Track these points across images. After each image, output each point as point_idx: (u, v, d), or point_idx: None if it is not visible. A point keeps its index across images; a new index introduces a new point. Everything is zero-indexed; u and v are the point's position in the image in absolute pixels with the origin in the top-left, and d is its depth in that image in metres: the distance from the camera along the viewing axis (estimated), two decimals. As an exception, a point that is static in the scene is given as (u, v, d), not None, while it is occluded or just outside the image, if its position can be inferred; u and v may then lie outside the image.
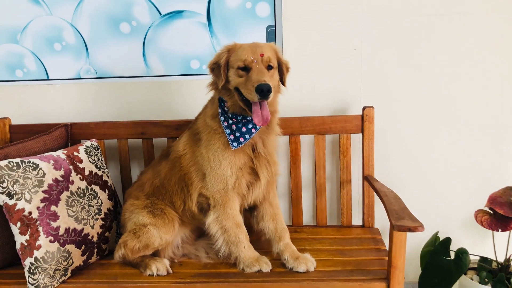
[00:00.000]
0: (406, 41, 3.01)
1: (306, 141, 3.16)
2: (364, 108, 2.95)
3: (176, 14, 3.12)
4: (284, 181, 3.22)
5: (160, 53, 3.12)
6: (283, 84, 2.43)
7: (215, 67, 2.39)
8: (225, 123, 2.39)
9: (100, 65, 3.22)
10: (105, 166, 2.94)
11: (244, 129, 2.36)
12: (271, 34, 3.11)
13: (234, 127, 2.37)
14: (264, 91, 2.13)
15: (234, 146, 2.36)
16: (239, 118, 2.37)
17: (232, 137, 2.37)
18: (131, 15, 3.12)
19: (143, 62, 3.20)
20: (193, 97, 3.13)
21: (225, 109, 2.42)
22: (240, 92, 2.30)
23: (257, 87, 2.15)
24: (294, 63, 2.93)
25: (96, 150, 2.91)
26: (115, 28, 3.14)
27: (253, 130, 2.38)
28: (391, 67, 3.06)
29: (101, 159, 2.93)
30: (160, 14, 3.12)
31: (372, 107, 2.94)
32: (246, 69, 2.28)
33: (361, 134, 3.00)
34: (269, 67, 2.25)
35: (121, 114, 3.15)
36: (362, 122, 2.96)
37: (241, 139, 2.36)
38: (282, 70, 2.36)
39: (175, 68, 3.21)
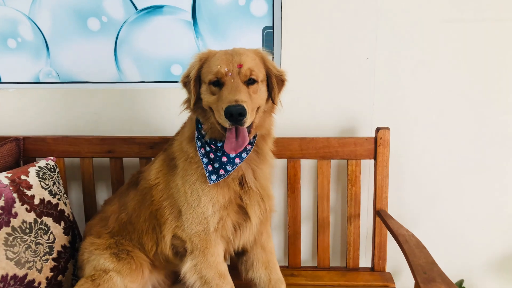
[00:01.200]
0: (428, 49, 2.54)
1: (307, 166, 2.66)
2: (378, 130, 2.45)
3: (155, 9, 2.60)
4: (280, 212, 2.73)
5: (135, 55, 2.62)
6: (274, 101, 1.92)
7: (187, 81, 1.91)
8: (202, 150, 1.91)
9: (63, 67, 2.70)
10: (63, 191, 2.42)
11: (225, 159, 1.88)
12: (268, 36, 2.61)
13: (212, 155, 1.89)
14: (234, 116, 1.65)
15: (212, 180, 1.88)
16: (219, 144, 1.89)
17: (210, 168, 1.88)
18: (101, 9, 2.61)
19: (115, 65, 2.68)
20: (174, 109, 2.56)
21: (202, 132, 1.93)
22: None
23: (225, 110, 1.68)
24: (295, 72, 2.48)
25: (52, 172, 2.38)
26: (82, 24, 2.63)
27: (237, 160, 1.89)
28: (409, 80, 2.59)
29: (58, 183, 2.40)
30: (136, 9, 2.60)
31: (388, 128, 2.45)
32: (219, 84, 1.81)
33: (373, 161, 2.51)
34: (250, 81, 1.80)
35: (86, 127, 2.72)
36: (375, 146, 2.47)
37: (221, 172, 1.88)
38: (272, 82, 1.88)
39: (153, 74, 2.69)
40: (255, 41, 2.60)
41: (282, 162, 2.60)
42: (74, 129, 2.71)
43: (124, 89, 2.69)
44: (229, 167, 1.88)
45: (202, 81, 1.88)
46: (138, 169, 2.29)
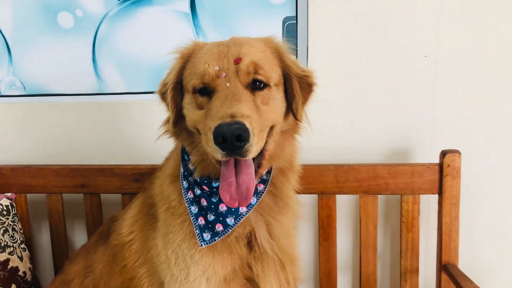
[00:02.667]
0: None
1: (345, 203, 2.01)
2: (444, 154, 1.79)
3: (143, -1, 2.00)
4: (309, 264, 2.10)
5: (118, 59, 2.09)
6: (296, 117, 1.31)
7: (164, 91, 1.31)
8: (190, 194, 1.30)
9: (29, 76, 2.16)
10: (19, 241, 1.82)
11: (223, 208, 1.26)
12: (291, 29, 1.98)
13: (204, 202, 1.28)
14: (228, 141, 1.06)
15: (204, 241, 1.27)
16: (215, 185, 1.27)
17: (201, 221, 1.27)
18: (75, 0, 2.06)
19: (93, 72, 2.10)
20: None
21: (190, 167, 1.31)
22: None
23: (215, 131, 1.07)
24: (326, 76, 1.89)
25: (3, 216, 1.81)
26: (51, 20, 2.08)
27: (243, 208, 1.27)
28: (485, 84, 1.91)
29: (13, 229, 1.82)
30: (119, -1, 2.00)
31: (458, 152, 1.80)
32: (207, 91, 1.20)
33: (437, 196, 1.83)
34: (257, 85, 1.21)
35: (55, 154, 2.16)
36: (440, 176, 1.82)
37: (218, 227, 1.26)
38: (292, 87, 1.29)
39: (141, 83, 2.10)
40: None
41: (311, 199, 1.94)
42: (39, 156, 2.14)
43: (104, 103, 2.11)
44: (230, 220, 1.26)
45: (184, 89, 1.27)
46: (112, 215, 1.66)
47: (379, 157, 1.97)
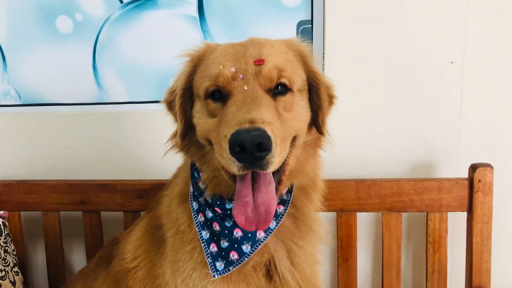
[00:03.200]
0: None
1: (365, 221, 1.86)
2: (474, 168, 1.65)
3: (147, 1, 1.90)
4: (326, 287, 1.88)
5: (120, 66, 1.97)
6: (322, 130, 1.19)
7: (172, 100, 1.19)
8: (200, 217, 1.16)
9: (26, 85, 2.04)
10: (11, 263, 1.68)
11: (238, 233, 1.12)
12: (306, 33, 1.84)
13: (217, 226, 1.13)
14: (247, 150, 0.92)
15: (218, 271, 1.12)
16: (228, 207, 1.13)
17: (213, 249, 1.13)
18: (75, 4, 1.94)
19: (94, 80, 1.96)
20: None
21: (200, 185, 1.17)
22: None
23: (231, 139, 0.93)
24: (345, 83, 1.71)
25: (-5, 235, 1.64)
26: (50, 25, 1.96)
27: (261, 233, 1.13)
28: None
29: (6, 251, 1.70)
30: (121, 2, 1.90)
31: (489, 166, 1.67)
32: (222, 96, 1.07)
33: (466, 214, 1.68)
34: (279, 90, 1.08)
35: (53, 168, 2.00)
36: (470, 192, 1.67)
37: (233, 255, 1.12)
38: (319, 96, 1.17)
39: (145, 91, 1.97)
40: (287, 41, 1.83)
41: (329, 216, 1.79)
42: (34, 170, 1.98)
43: (106, 113, 1.97)
44: (246, 247, 1.12)
45: (195, 95, 1.14)
46: (114, 236, 1.51)
47: (402, 171, 1.83)
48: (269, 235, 1.14)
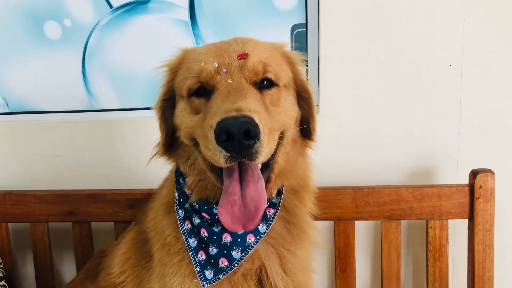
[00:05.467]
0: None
1: (364, 230, 1.81)
2: (475, 174, 1.60)
3: (138, 6, 1.85)
4: (323, 297, 1.84)
5: (110, 72, 1.92)
6: (312, 137, 1.19)
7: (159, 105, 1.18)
8: (187, 225, 1.12)
9: (13, 92, 1.99)
10: (-2, 277, 1.61)
11: (227, 238, 1.08)
12: (300, 38, 1.80)
13: (204, 232, 1.09)
14: (234, 136, 0.87)
15: (207, 280, 1.08)
16: (216, 210, 1.06)
17: (202, 257, 1.09)
18: (63, 9, 1.90)
19: (83, 87, 1.92)
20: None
21: (185, 190, 1.13)
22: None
23: (217, 126, 0.90)
24: (341, 89, 1.75)
25: (-20, 248, 1.58)
26: (37, 30, 1.91)
27: (251, 239, 1.08)
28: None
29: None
30: (111, 6, 1.85)
31: (491, 171, 1.62)
32: (205, 92, 1.04)
33: (467, 221, 1.63)
34: (265, 83, 1.06)
35: (42, 178, 1.94)
36: (471, 199, 1.63)
37: (222, 262, 1.07)
38: (310, 105, 1.18)
39: (136, 98, 1.92)
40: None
41: (326, 225, 1.74)
42: (22, 180, 1.92)
43: (96, 121, 1.92)
44: (236, 253, 1.07)
45: (178, 97, 1.12)
46: (102, 249, 1.45)
47: (400, 178, 1.78)
48: (259, 239, 1.09)
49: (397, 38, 1.71)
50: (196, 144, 1.03)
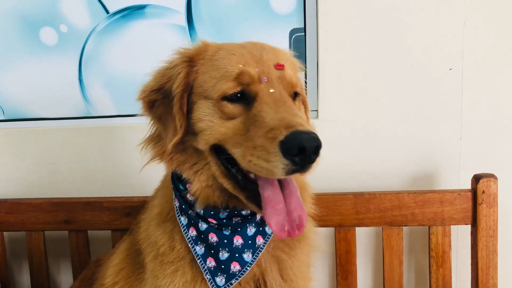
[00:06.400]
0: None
1: (365, 236, 1.78)
2: (477, 178, 1.57)
3: (134, 11, 1.82)
4: (324, 306, 1.80)
5: (107, 78, 1.90)
6: None
7: (158, 99, 1.08)
8: (192, 232, 1.07)
9: (9, 98, 1.96)
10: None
11: (238, 240, 1.05)
12: (299, 43, 1.78)
13: (214, 238, 1.05)
14: (306, 152, 0.86)
15: (218, 287, 1.03)
16: (222, 215, 1.06)
17: (211, 263, 1.05)
18: (59, 15, 1.87)
19: (80, 93, 1.89)
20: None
21: (188, 197, 1.07)
22: (227, 157, 1.01)
23: (289, 141, 0.87)
24: (340, 93, 1.74)
25: (-25, 258, 1.54)
26: (33, 36, 1.89)
27: (260, 240, 1.07)
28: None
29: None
30: (108, 12, 1.82)
31: (493, 176, 1.60)
32: (245, 97, 1.00)
33: (470, 227, 1.60)
34: (294, 95, 1.07)
35: (37, 186, 1.91)
36: (473, 204, 1.59)
37: (234, 267, 1.04)
38: (306, 116, 1.20)
39: (133, 104, 1.85)
40: (279, 50, 1.76)
41: (327, 232, 1.71)
42: (17, 188, 1.89)
43: (92, 127, 1.89)
44: (247, 256, 1.05)
45: (197, 96, 1.04)
46: (97, 258, 1.43)
47: (401, 183, 1.76)
48: (267, 240, 1.07)
49: (397, 42, 1.69)
50: (216, 150, 1.01)
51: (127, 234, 1.33)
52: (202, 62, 1.04)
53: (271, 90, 0.97)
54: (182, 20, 1.81)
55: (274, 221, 0.94)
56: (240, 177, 1.00)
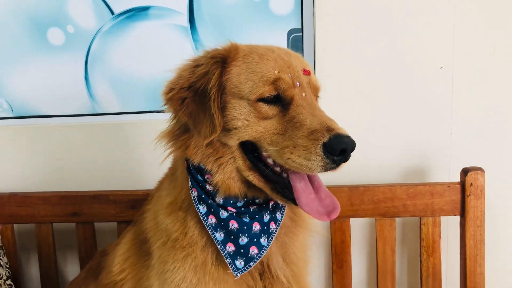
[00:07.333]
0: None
1: (359, 227, 1.86)
2: (466, 172, 1.66)
3: (138, 13, 1.89)
4: (321, 294, 1.89)
5: (112, 76, 1.97)
6: None
7: (188, 97, 1.10)
8: (212, 219, 1.14)
9: (17, 97, 2.02)
10: (5, 276, 1.68)
11: (257, 226, 1.13)
12: (296, 42, 1.85)
13: (235, 225, 1.12)
14: (346, 153, 1.00)
15: (238, 270, 1.11)
16: (240, 204, 1.14)
17: (231, 248, 1.12)
18: (66, 16, 1.93)
19: (86, 91, 1.96)
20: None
21: (208, 188, 1.13)
22: (254, 152, 1.10)
23: (332, 142, 0.99)
24: (336, 91, 1.81)
25: (-13, 249, 1.63)
26: (41, 37, 1.95)
27: (273, 225, 1.16)
28: (503, 99, 1.81)
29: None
30: (113, 13, 1.89)
31: (481, 169, 1.68)
32: (279, 101, 1.08)
33: (458, 218, 1.69)
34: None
35: (45, 180, 1.99)
36: (462, 196, 1.68)
37: (253, 250, 1.12)
38: None
39: (137, 101, 1.97)
40: (278, 49, 1.84)
41: (323, 223, 1.79)
42: (27, 183, 1.97)
43: (98, 124, 1.96)
44: (263, 240, 1.13)
45: (228, 97, 1.10)
46: (103, 248, 1.50)
47: (394, 177, 1.84)
48: (278, 225, 1.16)
49: (390, 43, 1.77)
50: (244, 146, 1.09)
51: (131, 225, 1.40)
52: (235, 64, 1.10)
53: (303, 94, 1.07)
54: (184, 21, 1.89)
55: (310, 208, 1.05)
56: (267, 171, 1.08)
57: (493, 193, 1.77)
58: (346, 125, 1.77)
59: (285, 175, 1.09)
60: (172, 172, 1.26)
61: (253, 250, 1.11)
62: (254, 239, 1.12)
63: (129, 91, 1.96)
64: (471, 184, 1.66)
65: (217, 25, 1.88)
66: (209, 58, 1.10)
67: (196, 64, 1.12)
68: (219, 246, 1.12)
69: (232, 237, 1.12)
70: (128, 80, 1.95)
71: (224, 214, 1.13)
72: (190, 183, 1.15)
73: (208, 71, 1.08)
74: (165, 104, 1.13)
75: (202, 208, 1.14)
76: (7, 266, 1.77)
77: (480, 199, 1.66)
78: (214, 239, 1.13)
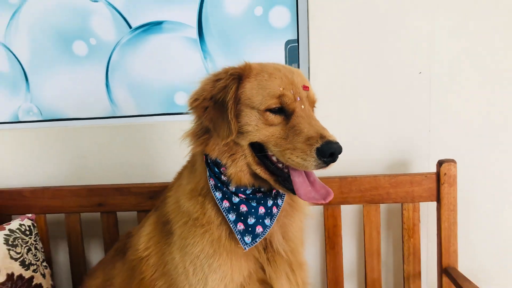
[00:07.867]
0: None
1: (349, 213, 2.12)
2: (440, 163, 1.90)
3: (153, 27, 2.13)
4: (316, 272, 2.17)
5: (130, 83, 2.19)
6: None
7: (209, 106, 1.36)
8: (225, 204, 1.39)
9: (46, 102, 2.26)
10: (41, 259, 1.91)
11: (262, 210, 1.38)
12: (293, 52, 2.10)
13: (244, 208, 1.38)
14: (334, 155, 1.25)
15: (246, 244, 1.36)
16: (248, 192, 1.40)
17: (241, 227, 1.37)
18: (89, 30, 2.16)
19: (107, 96, 2.20)
20: (180, 147, 2.07)
21: (223, 178, 1.39)
22: (261, 151, 1.36)
23: (324, 147, 1.24)
24: (328, 94, 2.05)
25: (27, 235, 1.89)
26: (67, 48, 2.18)
27: (275, 209, 1.41)
28: (476, 97, 2.06)
29: (36, 248, 1.90)
30: (130, 27, 2.13)
31: (453, 161, 1.91)
32: (283, 112, 1.34)
33: (435, 203, 1.93)
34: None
35: (72, 175, 2.26)
36: (437, 185, 1.92)
37: (258, 229, 1.37)
38: None
39: (153, 105, 2.21)
40: (276, 58, 2.10)
41: (317, 210, 2.04)
42: (57, 178, 2.23)
43: (118, 125, 2.21)
44: (267, 221, 1.38)
45: (244, 105, 1.35)
46: (128, 231, 1.76)
47: (380, 169, 2.09)
48: (279, 210, 1.40)
49: (374, 51, 2.02)
50: (253, 146, 1.34)
51: (152, 210, 1.65)
52: (248, 80, 1.34)
53: (302, 107, 1.32)
54: (194, 33, 2.14)
55: (307, 197, 1.30)
56: (272, 166, 1.34)
57: (465, 182, 2.02)
58: (336, 124, 2.06)
59: (286, 170, 1.34)
60: (192, 164, 1.51)
61: (259, 229, 1.36)
62: (259, 220, 1.37)
63: (145, 96, 2.21)
64: (445, 174, 1.91)
65: (223, 37, 2.13)
66: (228, 75, 1.34)
67: (216, 79, 1.36)
68: (231, 225, 1.37)
69: (242, 218, 1.36)
70: (144, 86, 2.20)
71: (235, 199, 1.38)
72: (208, 173, 1.40)
73: (226, 86, 1.33)
74: (190, 110, 1.38)
75: (218, 194, 1.39)
76: (42, 250, 2.02)
77: (453, 187, 1.91)
78: (227, 219, 1.37)
